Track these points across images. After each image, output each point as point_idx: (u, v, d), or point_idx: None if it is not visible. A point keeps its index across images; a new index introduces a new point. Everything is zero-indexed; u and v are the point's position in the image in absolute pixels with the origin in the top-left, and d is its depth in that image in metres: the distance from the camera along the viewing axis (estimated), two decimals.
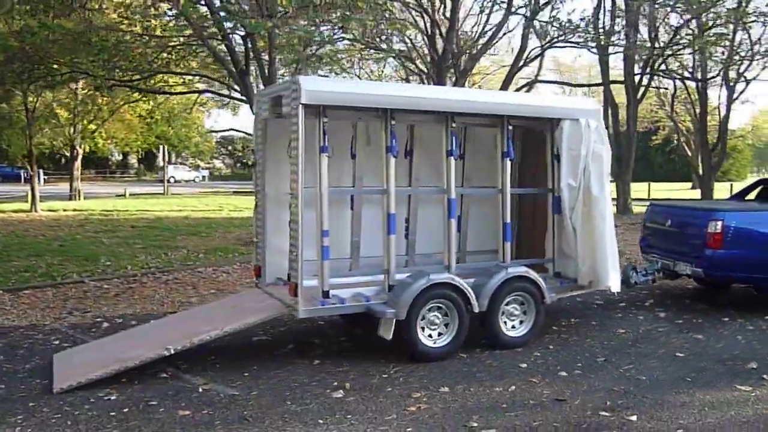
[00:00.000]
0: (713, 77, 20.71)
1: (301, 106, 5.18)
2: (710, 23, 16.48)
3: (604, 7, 17.58)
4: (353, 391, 4.83)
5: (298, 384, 4.98)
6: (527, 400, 4.69)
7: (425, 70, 15.42)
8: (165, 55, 12.53)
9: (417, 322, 5.50)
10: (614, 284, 6.30)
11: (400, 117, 5.86)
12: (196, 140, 42.81)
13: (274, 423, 4.25)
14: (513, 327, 6.04)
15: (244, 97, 12.37)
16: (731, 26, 17.29)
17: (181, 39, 12.23)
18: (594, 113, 6.53)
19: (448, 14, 13.97)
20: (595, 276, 6.31)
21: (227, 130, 20.66)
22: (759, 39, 18.42)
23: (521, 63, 14.54)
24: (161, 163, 42.23)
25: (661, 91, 25.94)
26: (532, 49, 15.07)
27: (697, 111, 23.21)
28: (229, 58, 11.49)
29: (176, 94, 19.63)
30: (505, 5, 13.35)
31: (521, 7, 14.02)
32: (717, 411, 4.50)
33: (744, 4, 15.85)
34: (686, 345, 6.07)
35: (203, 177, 53.59)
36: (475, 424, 4.26)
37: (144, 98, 21.48)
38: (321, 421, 4.28)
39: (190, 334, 5.19)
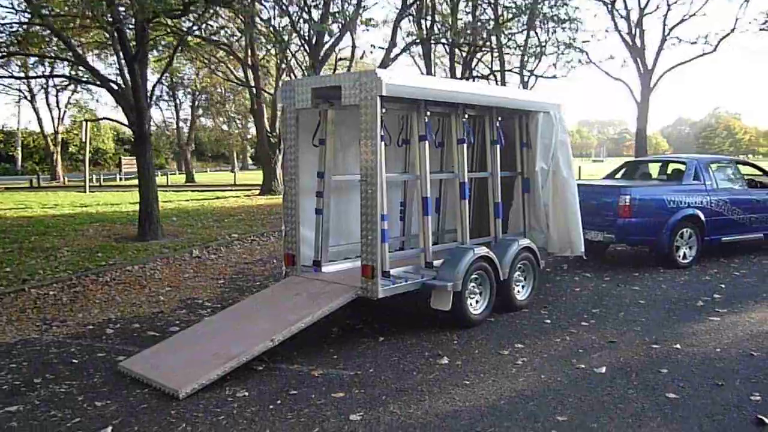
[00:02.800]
0: (509, 71, 23.72)
1: (379, 97, 5.46)
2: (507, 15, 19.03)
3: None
4: (453, 356, 5.33)
5: (397, 359, 5.31)
6: (591, 345, 5.64)
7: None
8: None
9: (465, 292, 6.14)
10: (583, 251, 7.57)
11: (432, 108, 6.37)
12: None
13: (418, 391, 4.60)
14: (518, 291, 6.97)
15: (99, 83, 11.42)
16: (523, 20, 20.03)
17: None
18: (560, 107, 7.67)
19: None
20: (571, 245, 7.50)
21: (101, 119, 17.98)
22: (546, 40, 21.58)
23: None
24: None
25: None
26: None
27: None
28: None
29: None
30: None
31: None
32: (719, 333, 5.91)
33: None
34: (637, 294, 7.58)
35: None
36: (583, 365, 5.10)
37: None
38: (454, 384, 4.75)
39: (285, 322, 5.19)
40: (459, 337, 5.90)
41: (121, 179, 37.50)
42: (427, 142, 6.31)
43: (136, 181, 34.44)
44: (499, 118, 7.19)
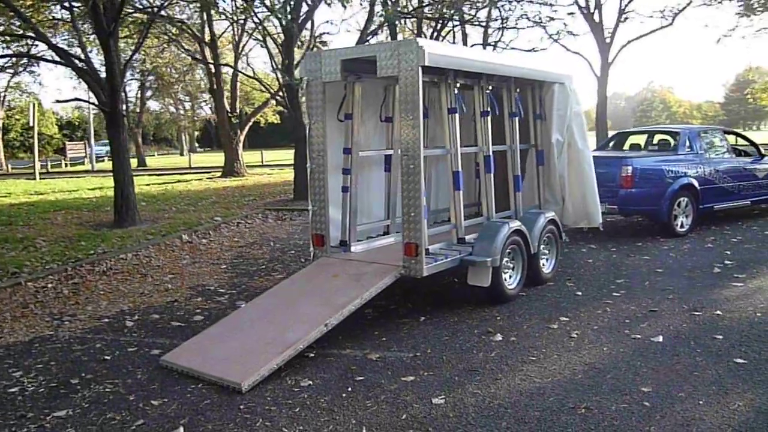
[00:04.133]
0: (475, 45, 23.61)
1: (420, 68, 5.22)
2: None
3: None
4: (504, 332, 5.22)
5: (448, 338, 5.16)
6: (634, 315, 5.62)
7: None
8: None
9: (502, 267, 6.03)
10: (600, 222, 7.55)
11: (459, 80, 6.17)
12: None
13: (488, 370, 4.47)
14: (543, 264, 6.90)
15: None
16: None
17: None
18: (572, 78, 7.59)
19: None
20: (588, 216, 7.47)
21: (72, 100, 16.82)
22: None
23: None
24: None
25: None
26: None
27: None
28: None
29: None
30: None
31: None
32: (751, 298, 5.97)
33: None
34: (651, 264, 7.63)
35: None
36: (638, 336, 5.06)
37: None
38: (522, 361, 4.64)
39: (335, 305, 4.95)
40: (499, 313, 5.79)
41: (66, 165, 35.85)
42: (457, 114, 6.13)
43: (82, 167, 32.92)
44: (517, 90, 7.06)
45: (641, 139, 11.21)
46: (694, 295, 6.21)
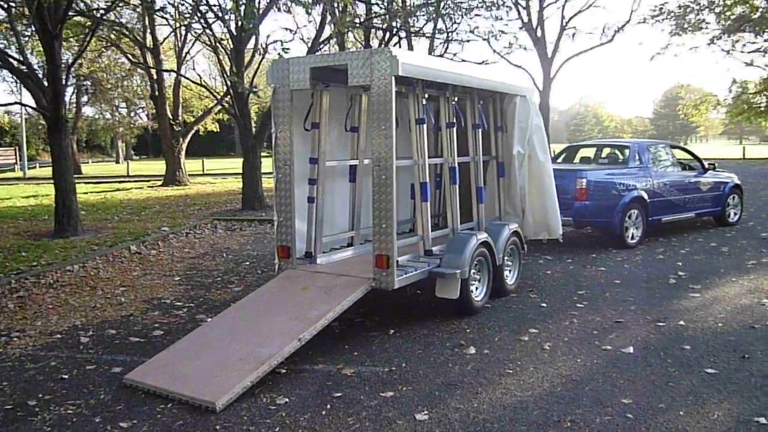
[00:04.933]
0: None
1: (393, 77, 5.15)
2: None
3: None
4: (476, 345, 5.18)
5: (421, 352, 5.08)
6: (601, 326, 5.67)
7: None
8: None
9: (470, 279, 6.00)
10: (560, 233, 7.65)
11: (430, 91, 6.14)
12: None
13: (467, 384, 4.42)
14: (506, 275, 6.92)
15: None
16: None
17: None
18: (534, 90, 7.67)
19: None
20: (548, 228, 7.54)
21: (12, 104, 15.61)
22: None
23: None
24: None
25: None
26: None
27: None
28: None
29: None
30: None
31: None
32: (710, 309, 6.13)
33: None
34: (608, 275, 7.78)
35: None
36: (609, 347, 5.11)
37: None
38: (498, 374, 4.61)
39: (307, 320, 4.80)
40: (468, 326, 5.76)
41: None
42: (425, 125, 6.09)
43: (13, 173, 31.37)
44: (480, 102, 7.09)
45: (591, 153, 11.48)
46: (654, 306, 6.34)
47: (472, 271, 6.09)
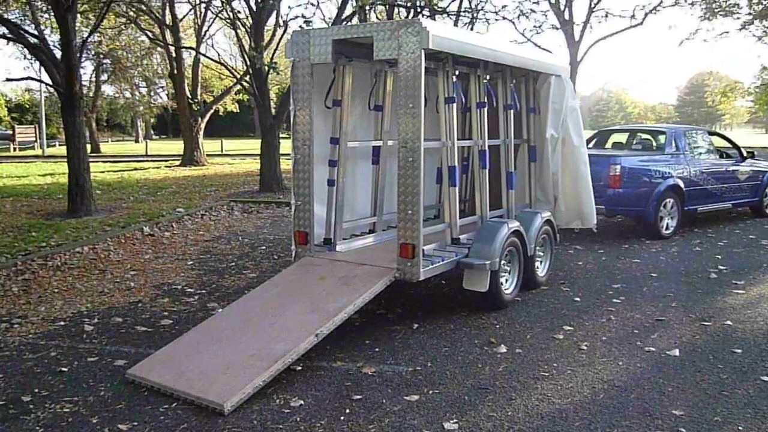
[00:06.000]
0: None
1: (423, 51, 4.73)
2: None
3: None
4: (506, 342, 4.79)
5: (448, 350, 4.70)
6: (641, 325, 5.25)
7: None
8: None
9: (500, 271, 5.60)
10: (594, 223, 7.19)
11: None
12: None
13: (499, 387, 4.04)
14: (537, 267, 6.50)
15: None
16: None
17: None
18: (568, 70, 7.19)
19: None
20: (581, 217, 7.09)
21: (24, 79, 15.52)
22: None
23: None
24: None
25: None
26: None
27: None
28: None
29: None
30: None
31: None
32: (757, 307, 5.67)
33: None
34: (644, 267, 7.33)
35: None
36: (652, 348, 4.69)
37: None
38: (533, 377, 4.22)
39: (325, 313, 4.43)
40: (498, 321, 5.37)
41: (15, 149, 34.02)
42: (455, 105, 5.67)
43: (33, 152, 31.48)
44: (513, 81, 6.64)
45: (623, 138, 10.95)
46: (697, 303, 5.90)
47: (503, 262, 5.69)
